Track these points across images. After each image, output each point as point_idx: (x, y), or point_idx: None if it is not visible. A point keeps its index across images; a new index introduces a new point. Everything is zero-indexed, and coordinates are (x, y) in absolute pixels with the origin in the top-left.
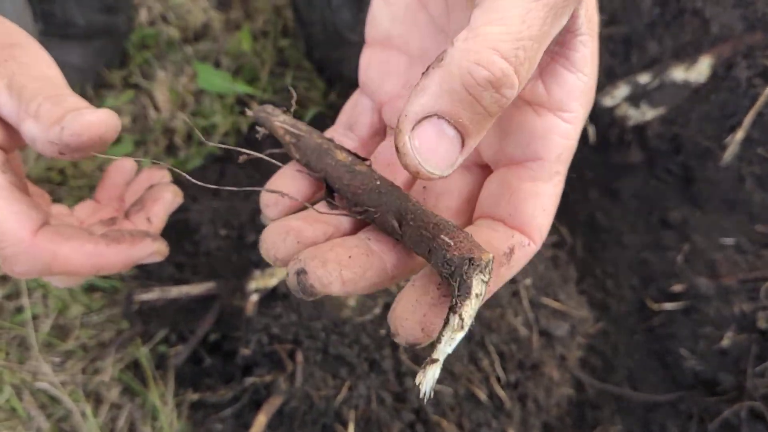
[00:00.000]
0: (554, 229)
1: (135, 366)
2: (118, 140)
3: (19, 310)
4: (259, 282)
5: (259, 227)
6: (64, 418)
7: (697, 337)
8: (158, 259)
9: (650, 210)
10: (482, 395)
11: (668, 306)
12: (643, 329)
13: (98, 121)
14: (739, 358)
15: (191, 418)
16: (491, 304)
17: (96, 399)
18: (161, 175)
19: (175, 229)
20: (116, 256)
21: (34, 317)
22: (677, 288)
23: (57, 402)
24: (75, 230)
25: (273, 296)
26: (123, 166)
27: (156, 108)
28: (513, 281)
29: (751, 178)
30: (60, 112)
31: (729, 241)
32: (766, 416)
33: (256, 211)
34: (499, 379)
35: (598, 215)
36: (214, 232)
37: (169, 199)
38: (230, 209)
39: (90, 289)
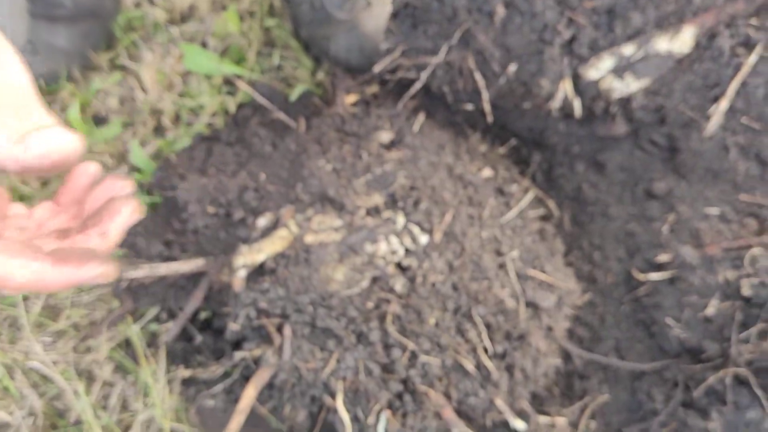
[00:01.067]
0: (541, 202)
1: (126, 344)
2: (106, 122)
3: None
4: (246, 258)
5: (247, 205)
6: (57, 397)
7: (683, 306)
8: (103, 282)
9: (636, 182)
10: (470, 365)
11: (654, 276)
12: (629, 300)
13: (62, 144)
14: (724, 326)
15: (183, 394)
16: (477, 276)
17: (88, 377)
18: (123, 185)
19: (164, 207)
20: (59, 277)
21: (25, 298)
22: (663, 258)
23: (49, 381)
24: (21, 247)
25: (260, 271)
26: (88, 170)
27: (143, 89)
28: (499, 253)
29: (735, 147)
30: (24, 129)
31: (713, 210)
32: (751, 382)
33: (244, 188)
34: (486, 350)
35: (584, 188)
36: (201, 210)
37: (126, 214)
38: (218, 187)
39: None
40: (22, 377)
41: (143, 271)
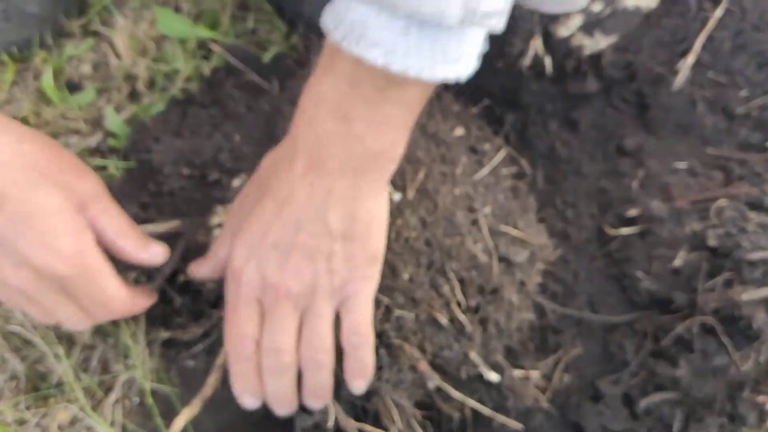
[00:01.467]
0: (514, 161)
1: None
2: (80, 88)
3: None
4: (222, 217)
5: (222, 166)
6: (39, 360)
7: (652, 259)
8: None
9: (607, 139)
10: (443, 319)
11: (624, 231)
12: (601, 255)
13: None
14: (691, 277)
15: (164, 356)
16: (450, 232)
17: (68, 341)
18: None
19: (139, 170)
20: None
21: None
22: (633, 212)
23: (30, 345)
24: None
25: None
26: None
27: (117, 55)
28: (472, 210)
29: (702, 102)
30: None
31: (682, 164)
32: (717, 330)
33: (218, 149)
34: (459, 304)
35: (557, 146)
36: (176, 172)
37: None
38: (192, 149)
39: None
40: (3, 341)
41: None
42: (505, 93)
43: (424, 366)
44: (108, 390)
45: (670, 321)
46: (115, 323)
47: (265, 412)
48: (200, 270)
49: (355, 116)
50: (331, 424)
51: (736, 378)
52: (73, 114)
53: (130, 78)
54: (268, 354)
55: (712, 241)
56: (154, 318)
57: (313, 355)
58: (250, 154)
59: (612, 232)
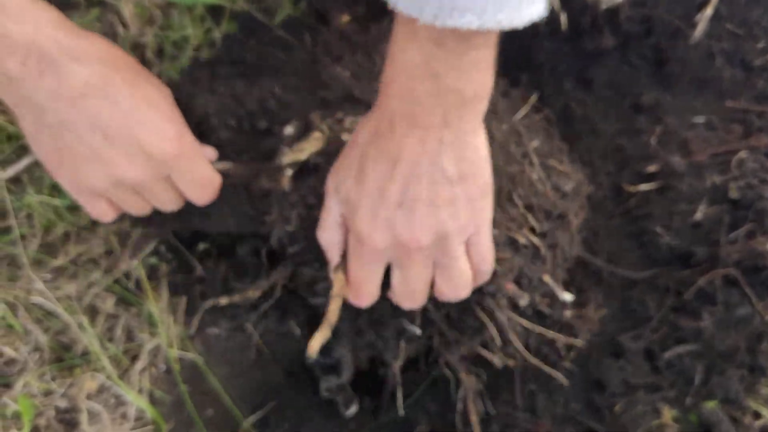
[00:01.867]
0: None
1: (126, 278)
2: None
3: (6, 230)
4: (290, 157)
5: (270, 114)
6: (62, 331)
7: (672, 214)
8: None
9: (623, 96)
10: (522, 239)
11: (643, 187)
12: (619, 213)
13: None
14: (712, 230)
15: (187, 324)
16: (510, 161)
17: (91, 311)
18: None
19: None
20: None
21: (22, 236)
22: (651, 168)
23: (53, 316)
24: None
25: (301, 173)
26: None
27: (123, 24)
28: (520, 144)
29: (720, 55)
30: None
31: (700, 119)
32: (740, 281)
33: (263, 99)
34: (533, 229)
35: (572, 106)
36: (223, 123)
37: None
38: (236, 99)
39: (75, 207)
40: (25, 314)
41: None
42: (519, 52)
43: (510, 286)
44: (134, 358)
45: (692, 275)
46: (138, 288)
47: (288, 375)
48: (322, 238)
49: (445, 71)
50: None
51: (758, 329)
52: None
53: (138, 47)
54: (405, 298)
55: (733, 193)
56: (176, 287)
57: (455, 292)
58: (297, 103)
59: (630, 189)
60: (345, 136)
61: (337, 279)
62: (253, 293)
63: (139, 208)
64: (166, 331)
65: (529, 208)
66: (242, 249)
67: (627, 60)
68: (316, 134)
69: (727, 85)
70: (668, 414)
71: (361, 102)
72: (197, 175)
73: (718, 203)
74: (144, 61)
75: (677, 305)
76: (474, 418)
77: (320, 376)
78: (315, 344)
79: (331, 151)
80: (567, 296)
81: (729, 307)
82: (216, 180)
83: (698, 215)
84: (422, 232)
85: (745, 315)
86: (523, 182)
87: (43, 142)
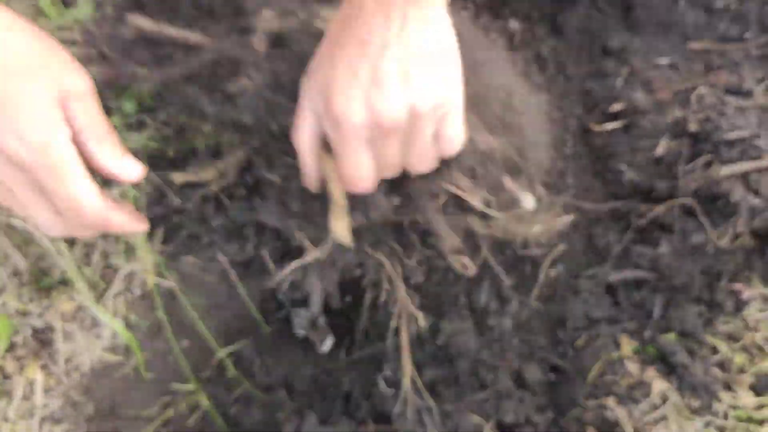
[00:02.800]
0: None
1: None
2: (74, 3)
3: None
4: (263, 25)
5: None
6: (41, 257)
7: (635, 151)
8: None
9: (592, 41)
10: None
11: (609, 126)
12: (586, 152)
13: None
14: (672, 165)
15: (163, 253)
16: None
17: (69, 240)
18: None
19: None
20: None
21: None
22: (616, 107)
23: (32, 242)
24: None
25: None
26: None
27: None
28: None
29: None
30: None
31: (664, 60)
32: (696, 211)
33: None
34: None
35: (543, 51)
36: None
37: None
38: None
39: None
40: (5, 239)
41: (151, 25)
42: (494, 2)
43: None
44: (109, 283)
45: (652, 208)
46: None
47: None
48: (297, 140)
49: None
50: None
51: (714, 263)
52: (70, 27)
53: None
54: (378, 172)
55: (693, 126)
56: (155, 220)
57: (419, 163)
58: None
59: (597, 128)
60: (318, 23)
61: (326, 164)
62: (206, 173)
63: (20, 211)
64: (143, 257)
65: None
66: None
67: (596, 6)
68: (291, 17)
69: (691, 29)
70: (628, 346)
71: None
72: (62, 195)
73: (679, 138)
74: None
75: (636, 238)
76: (404, 338)
77: (290, 309)
78: (338, 227)
79: (302, 37)
80: (529, 200)
81: (685, 235)
82: (88, 202)
83: (660, 150)
84: (396, 107)
85: (700, 242)
86: (487, 95)
87: None
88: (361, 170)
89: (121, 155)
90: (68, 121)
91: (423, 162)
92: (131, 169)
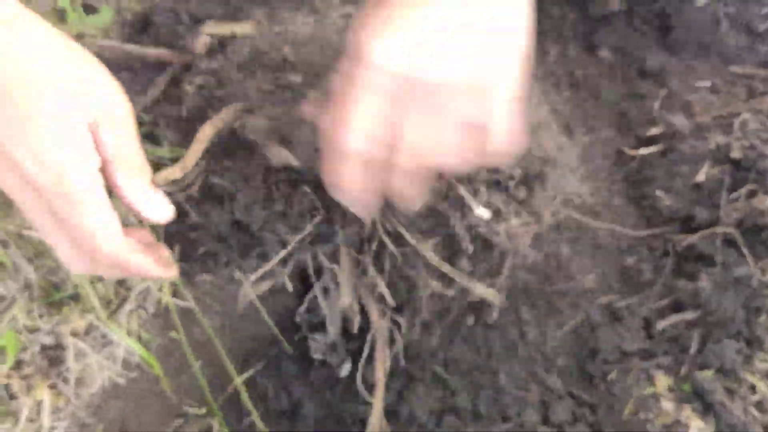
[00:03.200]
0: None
1: None
2: (95, 11)
3: None
4: (213, 28)
5: None
6: (53, 271)
7: (673, 176)
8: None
9: (629, 62)
10: None
11: (644, 151)
12: (621, 178)
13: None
14: (713, 192)
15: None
16: None
17: None
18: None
19: None
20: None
21: None
22: (654, 131)
23: (45, 255)
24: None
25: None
26: None
27: None
28: None
29: (725, 19)
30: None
31: (704, 83)
32: (738, 242)
33: None
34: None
35: (576, 72)
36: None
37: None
38: None
39: None
40: (17, 251)
41: (112, 44)
42: None
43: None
44: (123, 300)
45: (691, 237)
46: None
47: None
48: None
49: None
50: None
51: (756, 295)
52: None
53: None
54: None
55: (736, 153)
56: (172, 235)
57: (448, 154)
58: None
59: (632, 152)
60: (277, 29)
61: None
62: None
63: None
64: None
65: None
66: None
67: (632, 25)
68: (250, 22)
69: (732, 50)
70: (662, 382)
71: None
72: (76, 226)
73: (720, 164)
74: None
75: (675, 269)
76: (380, 372)
77: (308, 334)
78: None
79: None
80: (483, 212)
81: (727, 268)
82: (105, 239)
83: (700, 176)
84: (436, 65)
85: (743, 275)
86: None
87: None
88: (363, 123)
89: (152, 193)
90: (98, 148)
91: (451, 154)
92: (160, 210)
